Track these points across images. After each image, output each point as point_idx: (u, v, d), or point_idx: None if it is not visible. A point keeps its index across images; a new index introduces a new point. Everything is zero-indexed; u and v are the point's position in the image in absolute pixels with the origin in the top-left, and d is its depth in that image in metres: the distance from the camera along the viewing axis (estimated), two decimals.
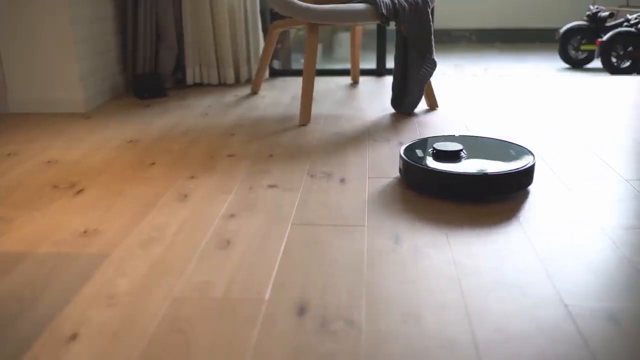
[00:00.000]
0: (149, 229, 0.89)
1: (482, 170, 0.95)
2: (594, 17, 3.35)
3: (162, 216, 0.94)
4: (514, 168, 0.96)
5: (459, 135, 1.14)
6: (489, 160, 1.00)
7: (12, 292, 0.72)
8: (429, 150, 1.05)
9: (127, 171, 1.17)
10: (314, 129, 1.46)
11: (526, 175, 0.97)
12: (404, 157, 1.02)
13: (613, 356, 0.59)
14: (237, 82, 2.06)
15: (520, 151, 1.05)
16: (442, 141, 1.08)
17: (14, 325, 0.65)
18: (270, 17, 2.15)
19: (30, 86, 1.66)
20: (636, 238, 0.84)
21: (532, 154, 1.03)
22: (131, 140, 1.39)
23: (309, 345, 0.61)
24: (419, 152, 1.04)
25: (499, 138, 1.14)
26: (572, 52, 3.38)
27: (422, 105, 1.69)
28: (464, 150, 1.04)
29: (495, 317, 0.65)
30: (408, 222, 0.89)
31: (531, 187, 1.01)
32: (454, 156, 1.01)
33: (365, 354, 0.59)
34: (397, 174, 1.10)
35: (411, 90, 1.55)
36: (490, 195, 0.96)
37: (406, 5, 1.47)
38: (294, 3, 1.41)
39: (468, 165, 0.98)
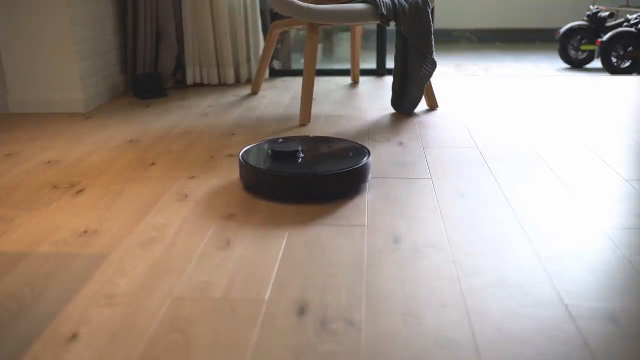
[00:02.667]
0: (148, 229, 0.89)
1: (307, 170, 0.93)
2: (594, 17, 3.34)
3: (162, 216, 0.94)
4: (341, 168, 0.95)
5: (312, 136, 1.13)
6: (324, 161, 0.99)
7: (12, 292, 0.72)
8: (268, 151, 1.04)
9: (127, 171, 1.17)
10: (314, 129, 1.46)
11: (354, 175, 0.96)
12: (240, 158, 1.01)
13: (613, 356, 0.59)
14: (237, 82, 2.06)
15: (359, 152, 1.04)
16: (287, 142, 1.07)
17: (14, 325, 0.65)
18: (270, 17, 2.15)
19: (30, 86, 1.66)
20: (636, 238, 0.84)
21: (368, 154, 1.02)
22: (131, 140, 1.39)
23: (309, 345, 0.61)
24: (259, 153, 1.03)
25: (344, 138, 1.12)
26: (572, 52, 3.38)
27: (422, 105, 1.69)
28: (301, 151, 1.03)
29: (495, 317, 0.65)
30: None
31: (367, 184, 1.01)
32: (290, 157, 1.00)
33: (365, 354, 0.59)
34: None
35: (411, 90, 1.55)
36: (321, 195, 0.95)
37: (406, 5, 1.47)
38: (294, 3, 1.41)
39: (299, 166, 0.96)
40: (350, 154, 1.02)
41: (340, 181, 0.95)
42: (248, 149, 1.07)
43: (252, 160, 1.00)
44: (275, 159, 1.01)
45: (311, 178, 0.93)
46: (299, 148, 1.02)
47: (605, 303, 0.67)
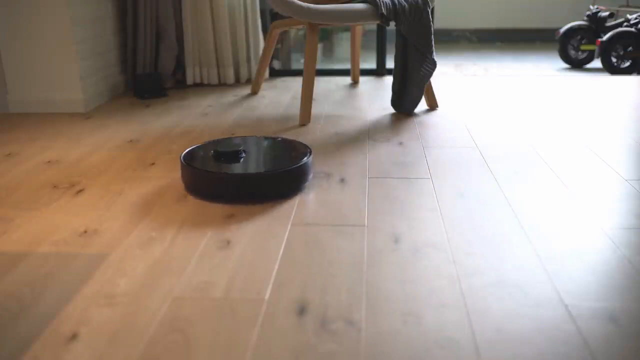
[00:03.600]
0: (148, 229, 0.89)
1: (245, 170, 0.93)
2: (594, 17, 3.34)
3: (162, 216, 0.94)
4: (277, 168, 0.95)
5: (260, 136, 1.12)
6: (266, 160, 1.00)
7: (12, 292, 0.71)
8: (211, 151, 1.03)
9: (127, 171, 1.16)
10: (314, 129, 1.46)
11: (293, 175, 0.95)
12: (181, 159, 1.00)
13: (613, 356, 0.59)
14: (237, 82, 2.06)
15: (301, 152, 1.03)
16: (232, 141, 1.07)
17: (14, 325, 0.65)
18: (270, 17, 2.15)
19: (30, 86, 1.66)
20: (636, 238, 0.84)
21: (309, 154, 1.01)
22: (131, 140, 1.38)
23: (309, 345, 0.61)
24: (203, 154, 1.03)
25: (291, 139, 1.14)
26: (572, 52, 3.37)
27: (422, 105, 1.69)
28: (244, 151, 1.02)
29: (495, 317, 0.65)
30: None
31: (307, 184, 1.02)
32: (233, 157, 1.00)
33: (365, 354, 0.59)
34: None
35: (411, 90, 1.55)
36: (259, 195, 0.95)
37: (406, 5, 1.47)
38: (294, 3, 1.40)
39: (239, 166, 0.96)
40: (293, 154, 1.01)
41: (278, 181, 0.95)
42: (192, 149, 1.06)
43: (193, 161, 1.00)
44: (217, 159, 1.00)
45: (247, 178, 0.92)
46: (241, 148, 1.01)
47: (605, 303, 0.67)
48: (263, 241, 0.84)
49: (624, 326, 0.63)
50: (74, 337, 0.63)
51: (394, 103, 1.61)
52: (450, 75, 2.20)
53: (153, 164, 1.21)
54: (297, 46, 2.71)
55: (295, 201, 0.96)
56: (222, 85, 2.03)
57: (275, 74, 2.19)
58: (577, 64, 3.39)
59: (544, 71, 3.03)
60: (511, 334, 0.62)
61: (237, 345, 0.61)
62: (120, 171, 1.16)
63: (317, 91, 1.91)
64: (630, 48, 2.99)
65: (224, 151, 1.00)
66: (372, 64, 2.23)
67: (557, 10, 4.18)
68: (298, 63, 2.59)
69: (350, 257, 0.79)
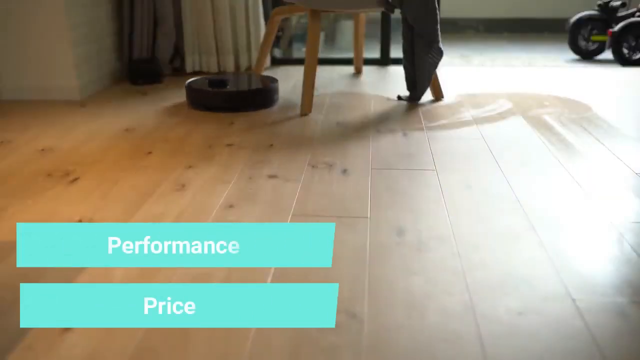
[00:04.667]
0: (145, 219, 0.87)
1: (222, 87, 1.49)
2: (605, 7, 3.25)
3: (159, 206, 0.92)
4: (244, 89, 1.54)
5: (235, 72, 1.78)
6: (240, 88, 1.54)
7: (6, 282, 0.70)
8: (207, 81, 1.59)
9: (123, 160, 1.14)
10: (315, 119, 1.43)
11: (259, 96, 1.52)
12: (189, 84, 1.55)
13: (621, 351, 0.57)
14: (237, 70, 2.02)
15: (269, 80, 1.59)
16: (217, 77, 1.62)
17: (8, 315, 0.63)
18: (272, 3, 2.10)
19: (23, 72, 1.63)
20: None
21: (276, 81, 1.58)
22: (127, 129, 1.36)
23: (310, 337, 0.59)
24: (203, 83, 1.57)
25: (268, 75, 1.67)
26: (583, 43, 3.28)
27: (428, 95, 1.66)
28: (229, 81, 1.58)
29: (500, 312, 0.63)
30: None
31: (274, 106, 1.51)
32: (222, 84, 1.55)
33: (367, 348, 0.58)
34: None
35: (420, 79, 1.52)
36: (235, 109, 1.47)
37: None
38: None
39: (223, 89, 1.51)
40: (259, 82, 1.62)
41: (254, 95, 1.53)
42: (193, 80, 1.62)
43: (196, 85, 1.55)
44: (211, 85, 1.55)
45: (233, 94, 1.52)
46: (228, 79, 1.60)
47: (614, 298, 0.66)
48: None
49: (633, 321, 0.62)
50: (68, 327, 0.61)
51: (412, 94, 1.57)
52: (456, 65, 2.16)
53: (150, 152, 1.19)
54: (299, 34, 2.67)
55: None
56: (221, 73, 2.00)
57: (276, 62, 2.15)
58: (587, 55, 3.31)
59: (553, 62, 2.97)
60: (517, 328, 0.60)
61: (236, 336, 0.60)
62: (116, 160, 1.14)
63: (320, 80, 1.88)
64: None
65: (215, 80, 1.56)
66: (375, 54, 2.19)
67: (567, 0, 4.09)
68: (300, 52, 2.55)
69: (353, 249, 0.77)
